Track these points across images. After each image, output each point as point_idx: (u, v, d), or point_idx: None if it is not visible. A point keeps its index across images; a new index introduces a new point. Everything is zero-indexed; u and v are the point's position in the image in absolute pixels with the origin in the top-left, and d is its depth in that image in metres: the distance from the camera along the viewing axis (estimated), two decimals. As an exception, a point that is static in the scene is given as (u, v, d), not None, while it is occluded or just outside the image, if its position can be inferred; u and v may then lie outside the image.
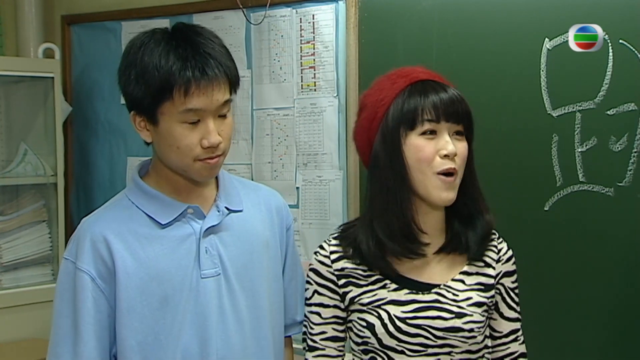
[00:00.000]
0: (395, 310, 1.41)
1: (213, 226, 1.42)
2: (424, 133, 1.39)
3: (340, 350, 1.51)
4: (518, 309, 1.51)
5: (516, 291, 1.51)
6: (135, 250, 1.36)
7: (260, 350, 1.46)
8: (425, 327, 1.39)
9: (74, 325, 1.34)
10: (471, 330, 1.39)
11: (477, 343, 1.41)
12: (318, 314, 1.49)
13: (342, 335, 1.50)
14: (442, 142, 1.38)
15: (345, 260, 1.47)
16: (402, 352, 1.40)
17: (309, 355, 1.51)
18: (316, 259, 1.50)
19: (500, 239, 1.52)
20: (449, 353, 1.40)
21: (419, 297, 1.42)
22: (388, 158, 1.41)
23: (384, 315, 1.41)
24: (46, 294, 2.72)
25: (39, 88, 2.98)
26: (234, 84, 1.39)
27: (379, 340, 1.41)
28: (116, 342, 1.36)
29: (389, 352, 1.41)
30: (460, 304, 1.41)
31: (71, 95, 3.14)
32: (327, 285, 1.48)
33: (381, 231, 1.42)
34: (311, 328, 1.51)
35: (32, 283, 2.89)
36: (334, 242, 1.50)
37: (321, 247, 1.51)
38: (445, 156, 1.37)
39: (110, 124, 3.02)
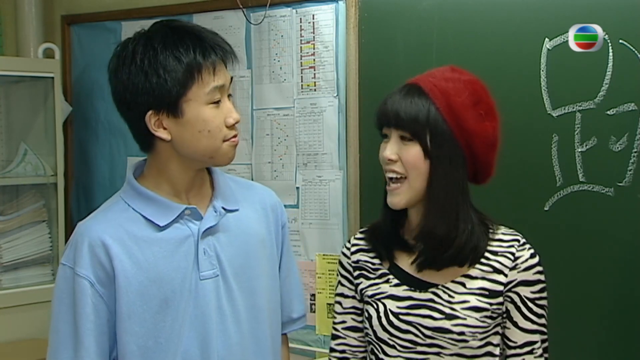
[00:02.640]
0: (391, 304, 1.44)
1: (210, 227, 1.42)
2: (383, 136, 1.45)
3: (361, 341, 1.55)
4: (539, 320, 1.43)
5: (539, 302, 1.43)
6: (134, 253, 1.35)
7: (259, 349, 1.46)
8: (415, 325, 1.41)
9: (74, 332, 1.33)
10: (461, 333, 1.38)
11: (471, 348, 1.40)
12: (340, 303, 1.56)
13: (361, 325, 1.54)
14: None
15: (361, 253, 1.53)
16: (393, 347, 1.43)
17: (332, 342, 1.58)
18: (341, 251, 1.58)
19: (524, 247, 1.44)
20: (437, 354, 1.40)
21: (416, 294, 1.44)
22: None
23: (381, 308, 1.45)
24: (46, 294, 2.71)
25: (39, 88, 2.98)
26: (235, 60, 1.42)
27: (374, 333, 1.45)
28: (117, 346, 1.36)
29: (383, 345, 1.45)
30: (454, 306, 1.40)
31: (71, 95, 3.14)
32: (347, 276, 1.55)
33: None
34: (334, 317, 1.57)
35: (32, 283, 2.89)
36: (359, 235, 1.57)
37: (348, 240, 1.59)
38: (387, 161, 1.42)
39: (110, 123, 3.02)
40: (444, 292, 1.42)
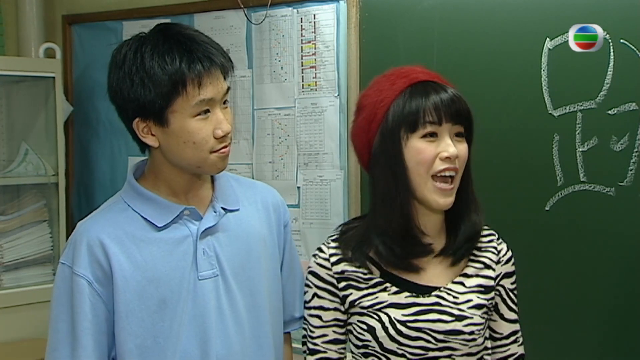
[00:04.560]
0: (395, 313, 1.40)
1: (210, 227, 1.41)
2: (424, 136, 1.37)
3: (341, 353, 1.50)
4: (517, 309, 1.50)
5: (515, 292, 1.49)
6: (132, 253, 1.35)
7: (260, 349, 1.46)
8: (426, 331, 1.38)
9: (72, 331, 1.34)
10: (472, 332, 1.38)
11: (478, 345, 1.41)
12: (319, 317, 1.48)
13: (342, 337, 1.49)
14: (443, 145, 1.37)
15: (345, 263, 1.46)
16: (402, 356, 1.39)
17: (310, 358, 1.49)
18: (315, 262, 1.49)
19: (500, 240, 1.50)
20: (449, 356, 1.39)
21: (420, 300, 1.41)
22: (388, 160, 1.40)
23: (385, 318, 1.40)
24: (47, 294, 2.67)
25: (40, 88, 2.98)
26: (230, 70, 1.39)
27: (380, 344, 1.40)
28: (115, 346, 1.36)
29: (390, 356, 1.40)
30: (460, 306, 1.40)
31: (72, 95, 3.14)
32: (327, 288, 1.47)
33: (386, 233, 1.42)
34: (311, 331, 1.48)
35: (33, 283, 2.89)
36: (332, 244, 1.49)
37: (320, 250, 1.50)
38: (447, 158, 1.36)
39: (111, 123, 3.02)
40: (448, 293, 1.41)
